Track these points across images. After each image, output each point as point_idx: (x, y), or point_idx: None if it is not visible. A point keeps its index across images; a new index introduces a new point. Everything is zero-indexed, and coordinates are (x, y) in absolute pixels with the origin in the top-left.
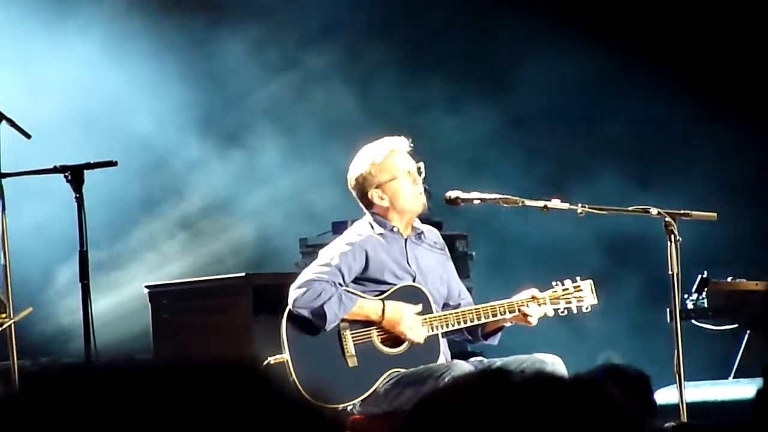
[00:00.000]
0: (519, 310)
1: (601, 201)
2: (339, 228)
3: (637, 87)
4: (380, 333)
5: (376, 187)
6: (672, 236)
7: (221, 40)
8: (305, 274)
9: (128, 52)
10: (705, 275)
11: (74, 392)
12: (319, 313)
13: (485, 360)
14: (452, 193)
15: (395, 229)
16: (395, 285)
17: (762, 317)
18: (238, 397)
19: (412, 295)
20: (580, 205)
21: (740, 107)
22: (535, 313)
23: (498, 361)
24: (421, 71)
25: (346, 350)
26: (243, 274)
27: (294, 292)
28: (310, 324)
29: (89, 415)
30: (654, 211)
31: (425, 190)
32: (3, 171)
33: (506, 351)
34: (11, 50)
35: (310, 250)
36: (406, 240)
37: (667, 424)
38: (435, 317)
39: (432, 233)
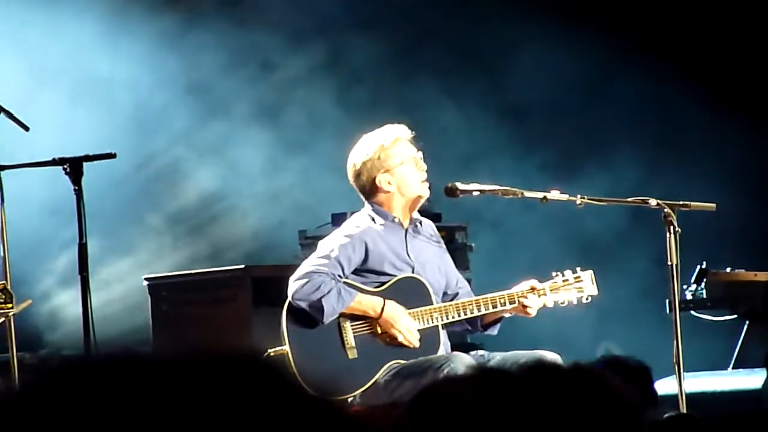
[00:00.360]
0: (519, 301)
1: (600, 192)
2: (338, 220)
3: (636, 78)
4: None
5: (385, 172)
6: (671, 227)
7: (218, 30)
8: (305, 266)
9: (125, 40)
10: (704, 266)
11: (85, 384)
12: (317, 307)
13: (486, 354)
14: (451, 184)
15: (396, 220)
16: (395, 276)
17: (763, 308)
18: (245, 388)
19: (412, 286)
20: (579, 196)
21: (741, 98)
22: (534, 304)
23: (498, 356)
24: (416, 64)
25: (346, 342)
26: (242, 267)
27: (293, 284)
28: (310, 317)
29: (98, 408)
30: (653, 201)
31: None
32: (1, 163)
33: (506, 343)
34: (8, 40)
35: (309, 242)
36: (406, 231)
37: (666, 415)
38: (435, 308)
39: (427, 225)
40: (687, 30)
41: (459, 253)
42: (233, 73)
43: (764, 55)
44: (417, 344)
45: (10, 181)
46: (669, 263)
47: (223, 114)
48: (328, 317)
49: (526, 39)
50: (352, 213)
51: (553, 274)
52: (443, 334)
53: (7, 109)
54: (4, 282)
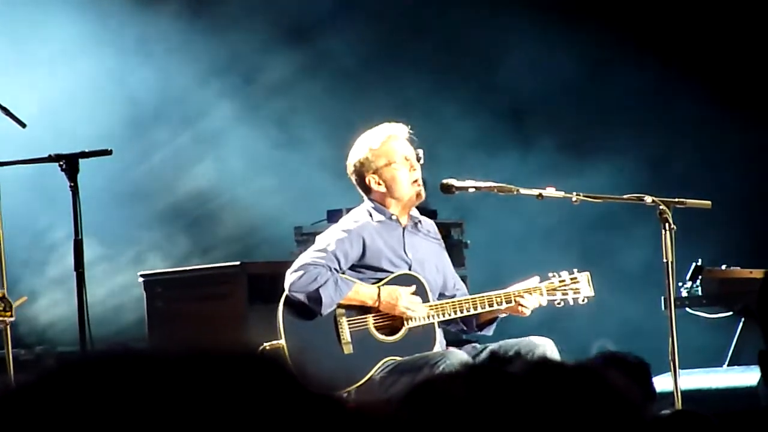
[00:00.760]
0: (514, 301)
1: (596, 189)
2: (334, 216)
3: (632, 74)
4: (376, 321)
5: (373, 173)
6: (666, 224)
7: (215, 30)
8: (302, 259)
9: (117, 37)
10: (699, 263)
11: (84, 382)
12: (315, 297)
13: (478, 346)
14: (447, 181)
15: (393, 217)
16: (392, 273)
17: (757, 307)
18: (246, 383)
19: (408, 283)
20: (574, 193)
21: (738, 95)
22: (529, 304)
23: (490, 346)
24: (410, 60)
25: (342, 337)
26: (238, 263)
27: (290, 276)
28: (307, 310)
29: (97, 406)
30: (648, 199)
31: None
32: None
33: (498, 335)
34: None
35: (305, 239)
36: (404, 228)
37: (662, 412)
38: (431, 306)
39: (428, 223)
40: (685, 25)
41: (455, 250)
42: (229, 68)
43: (762, 51)
44: (423, 316)
45: (5, 174)
46: (664, 260)
47: (217, 111)
48: (326, 308)
49: (520, 34)
50: (348, 209)
51: (550, 274)
52: (439, 332)
53: (3, 105)
54: (3, 290)
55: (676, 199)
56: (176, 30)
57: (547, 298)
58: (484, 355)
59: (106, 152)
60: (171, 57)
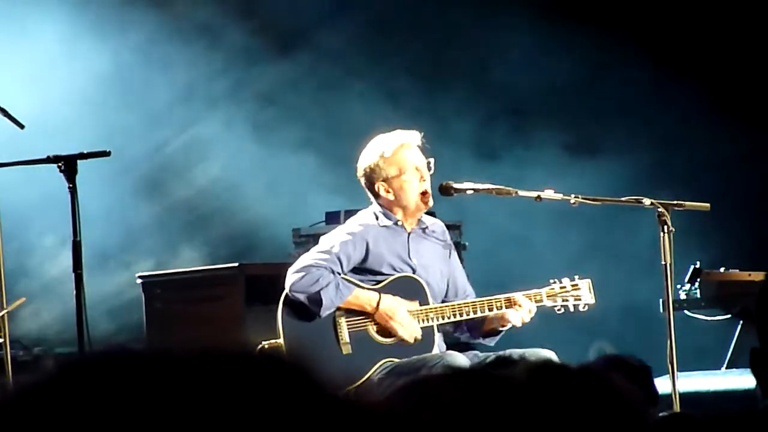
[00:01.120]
0: (514, 306)
1: (595, 191)
2: (332, 218)
3: (630, 76)
4: (375, 322)
5: (383, 181)
6: (665, 227)
7: (215, 28)
8: (304, 259)
9: (116, 37)
10: (698, 265)
11: (86, 384)
12: (316, 299)
13: (480, 354)
14: (446, 183)
15: (399, 223)
16: (393, 275)
17: (756, 309)
18: (250, 383)
19: (409, 286)
20: (573, 195)
21: (736, 97)
22: (527, 308)
23: (492, 356)
24: (407, 62)
25: (340, 338)
26: (236, 264)
27: (291, 276)
28: (306, 310)
29: (99, 408)
30: (647, 201)
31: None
32: None
33: (500, 341)
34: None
35: (303, 241)
36: (409, 234)
37: (660, 414)
38: (431, 308)
39: (438, 226)
40: (683, 26)
41: None
42: (228, 69)
43: (761, 54)
44: (416, 337)
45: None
46: (663, 263)
47: (216, 113)
48: (326, 310)
49: (517, 34)
50: (347, 211)
51: (551, 281)
52: (438, 335)
53: (1, 106)
54: None
55: (675, 202)
56: (173, 32)
57: (548, 304)
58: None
59: (104, 153)
60: (169, 59)
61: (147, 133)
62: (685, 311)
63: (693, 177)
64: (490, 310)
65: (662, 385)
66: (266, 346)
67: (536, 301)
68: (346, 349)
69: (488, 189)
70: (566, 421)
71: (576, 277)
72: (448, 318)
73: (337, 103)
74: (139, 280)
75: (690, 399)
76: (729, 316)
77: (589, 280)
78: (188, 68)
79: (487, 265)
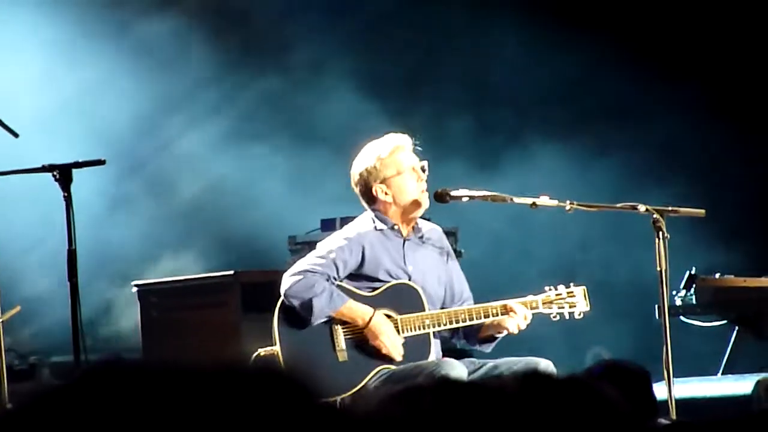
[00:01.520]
0: (510, 313)
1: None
2: (328, 226)
3: (621, 81)
4: None
5: (381, 182)
6: (660, 233)
7: (208, 41)
8: (301, 264)
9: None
10: (693, 271)
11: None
12: (308, 306)
13: (476, 361)
14: (441, 190)
15: (395, 228)
16: (389, 282)
17: (753, 317)
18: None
19: (405, 293)
20: (568, 202)
21: (730, 103)
22: (521, 314)
23: (489, 363)
24: (399, 71)
25: (336, 344)
26: (232, 272)
27: (287, 280)
28: (301, 319)
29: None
30: (642, 207)
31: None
32: None
33: (499, 349)
34: None
35: (298, 248)
36: (405, 240)
37: (660, 419)
38: (427, 315)
39: (435, 232)
40: (680, 30)
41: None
42: (224, 78)
43: (756, 59)
44: (399, 358)
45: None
46: (658, 269)
47: (211, 121)
48: (317, 318)
49: (510, 39)
50: (342, 219)
51: (546, 288)
52: (435, 342)
53: None
54: None
55: (670, 208)
56: (168, 38)
57: (544, 311)
58: (481, 372)
59: (99, 162)
60: (163, 66)
61: (140, 142)
62: (681, 317)
63: (688, 182)
64: (486, 317)
65: (659, 391)
66: (262, 354)
67: (531, 308)
68: (342, 357)
69: (483, 196)
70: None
71: (571, 284)
72: (444, 325)
73: (331, 109)
74: (134, 289)
75: (686, 405)
76: (725, 321)
77: (584, 287)
78: (180, 76)
79: (482, 271)
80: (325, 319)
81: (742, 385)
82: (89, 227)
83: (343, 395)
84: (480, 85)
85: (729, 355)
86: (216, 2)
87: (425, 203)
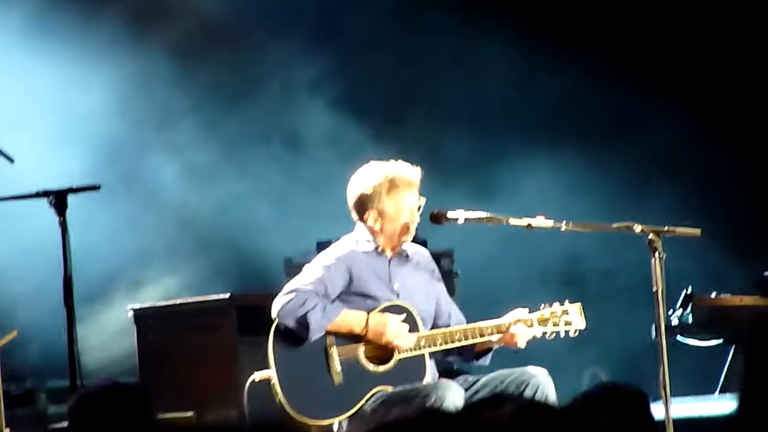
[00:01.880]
0: (506, 332)
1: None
2: (323, 247)
3: (617, 97)
4: (367, 350)
5: (378, 212)
6: (656, 253)
7: (208, 60)
8: (290, 285)
9: (99, 70)
10: (689, 291)
11: None
12: (303, 323)
13: (471, 377)
14: (437, 212)
15: (380, 249)
16: (381, 301)
17: (748, 343)
18: None
19: (398, 312)
20: (564, 222)
21: (725, 122)
22: (522, 335)
23: (483, 378)
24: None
25: (332, 367)
26: (227, 295)
27: (278, 301)
28: (296, 339)
29: None
30: (637, 228)
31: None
32: None
33: (495, 363)
34: None
35: (294, 271)
36: (389, 260)
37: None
38: (422, 336)
39: (419, 254)
40: (671, 48)
41: (445, 280)
42: (216, 101)
43: (753, 81)
44: (410, 347)
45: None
46: (654, 289)
47: (208, 142)
48: (314, 333)
49: (503, 58)
50: (337, 240)
51: (541, 305)
52: (430, 362)
53: None
54: None
55: (666, 228)
56: (167, 63)
57: (540, 329)
58: (477, 386)
59: (94, 188)
60: (159, 89)
61: (135, 165)
62: (678, 336)
63: (684, 199)
64: (482, 336)
65: (656, 410)
66: (257, 379)
67: (527, 327)
68: (338, 379)
69: (479, 217)
70: None
71: (566, 301)
72: (440, 345)
73: (330, 135)
74: (130, 312)
75: (683, 424)
76: (721, 340)
77: (579, 304)
78: (177, 98)
79: (479, 291)
80: (322, 337)
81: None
82: (82, 250)
83: (340, 418)
84: (473, 105)
85: (726, 374)
86: (201, 28)
87: (409, 238)
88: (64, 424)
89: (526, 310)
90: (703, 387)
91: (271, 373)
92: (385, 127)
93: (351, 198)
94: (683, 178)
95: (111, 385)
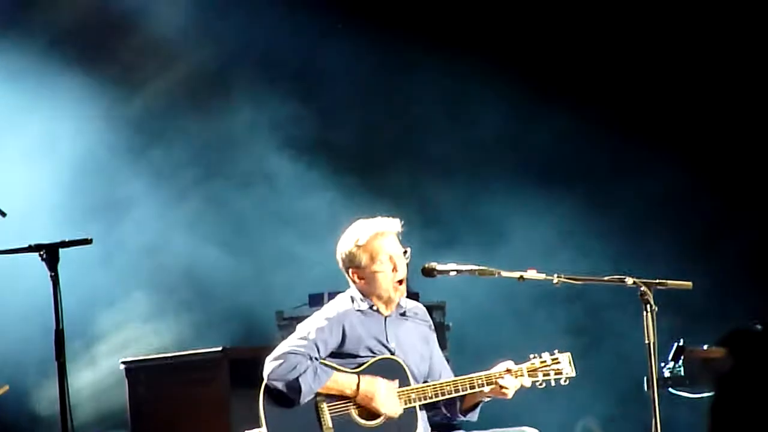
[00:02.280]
0: (496, 383)
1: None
2: (315, 300)
3: (607, 148)
4: (357, 405)
5: (356, 268)
6: (647, 306)
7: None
8: (281, 347)
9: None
10: (681, 343)
11: None
12: (294, 386)
13: None
14: (429, 265)
15: (375, 308)
16: (373, 357)
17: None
18: None
19: (389, 367)
20: (555, 275)
21: (713, 171)
22: (511, 385)
23: None
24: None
25: (323, 423)
26: (220, 349)
27: (269, 365)
28: (287, 401)
29: None
30: (629, 281)
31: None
32: None
33: (483, 418)
34: None
35: (286, 323)
36: (386, 318)
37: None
38: (412, 389)
39: (419, 309)
40: (656, 96)
41: (437, 332)
42: (206, 145)
43: (732, 129)
44: (397, 415)
45: None
46: (646, 342)
47: (193, 193)
48: (305, 396)
49: (490, 105)
50: (330, 293)
51: (531, 355)
52: (421, 415)
53: None
54: None
55: (657, 281)
56: (151, 108)
57: (530, 379)
58: None
59: (86, 241)
60: (133, 144)
61: (119, 219)
62: (670, 389)
63: (671, 254)
64: (472, 388)
65: None
66: None
67: (517, 377)
68: None
69: (471, 270)
70: None
71: (556, 351)
72: (430, 398)
73: (319, 182)
74: (122, 366)
75: None
76: (713, 392)
77: (569, 354)
78: (162, 152)
79: (470, 343)
80: (312, 397)
81: None
82: (74, 304)
83: None
84: (461, 155)
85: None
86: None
87: (398, 295)
88: None
89: (510, 362)
90: None
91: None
92: (377, 178)
93: (338, 261)
94: (675, 226)
95: None
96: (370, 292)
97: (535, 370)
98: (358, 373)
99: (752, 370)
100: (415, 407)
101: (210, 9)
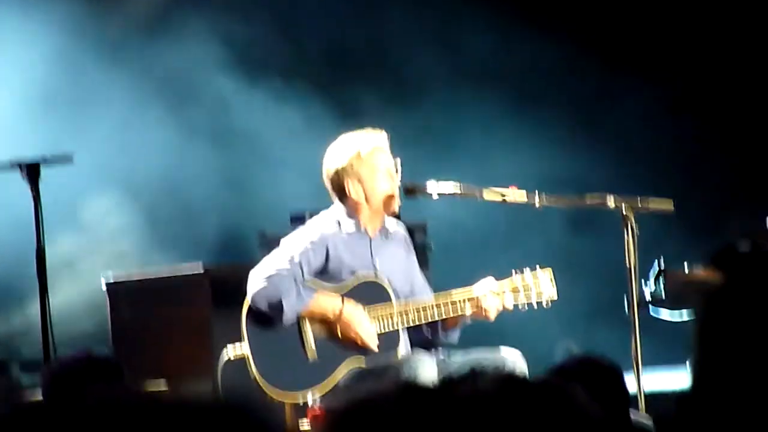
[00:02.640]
0: (478, 302)
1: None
2: (296, 220)
3: (584, 75)
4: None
5: (356, 181)
6: (629, 228)
7: (192, 34)
8: (264, 268)
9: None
10: (662, 264)
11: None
12: (277, 308)
13: (445, 355)
14: (410, 185)
15: (362, 228)
16: (356, 279)
17: (698, 323)
18: None
19: (372, 288)
20: (537, 197)
21: (692, 97)
22: (492, 306)
23: (459, 357)
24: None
25: (306, 342)
26: (201, 268)
27: (252, 285)
28: (270, 321)
29: None
30: (611, 203)
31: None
32: None
33: (465, 338)
34: None
35: (267, 243)
36: (371, 240)
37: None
38: (395, 312)
39: (400, 230)
40: (636, 29)
41: (418, 253)
42: (197, 75)
43: (714, 52)
44: (375, 348)
45: None
46: (627, 265)
47: (181, 114)
48: (288, 318)
49: (478, 32)
50: (311, 213)
51: (513, 271)
52: (403, 333)
53: None
54: None
55: (639, 203)
56: (136, 35)
57: (510, 298)
58: (452, 360)
59: (67, 159)
60: (129, 65)
61: (108, 137)
62: (651, 310)
63: (655, 176)
64: (454, 309)
65: (629, 383)
66: (232, 358)
67: (498, 295)
68: (312, 354)
69: (453, 192)
70: None
71: (537, 266)
72: (413, 320)
73: (302, 104)
74: (104, 285)
75: (656, 397)
76: (696, 316)
77: (549, 270)
78: (148, 70)
79: (452, 264)
80: (295, 318)
81: None
82: (58, 223)
83: (314, 390)
84: (446, 74)
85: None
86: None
87: (396, 206)
88: (39, 396)
89: (491, 278)
90: (675, 360)
91: (245, 353)
92: (348, 100)
93: (327, 176)
94: (654, 152)
95: (85, 357)
96: (368, 204)
97: (516, 288)
98: (342, 295)
99: (738, 291)
100: (398, 329)
101: None
